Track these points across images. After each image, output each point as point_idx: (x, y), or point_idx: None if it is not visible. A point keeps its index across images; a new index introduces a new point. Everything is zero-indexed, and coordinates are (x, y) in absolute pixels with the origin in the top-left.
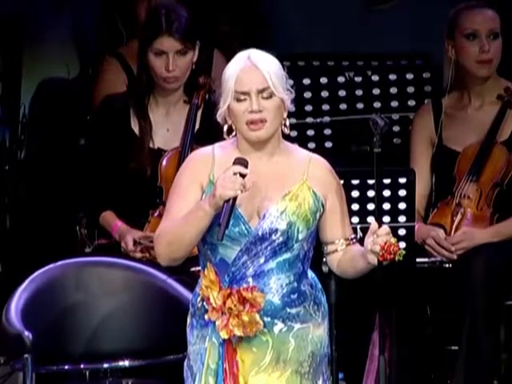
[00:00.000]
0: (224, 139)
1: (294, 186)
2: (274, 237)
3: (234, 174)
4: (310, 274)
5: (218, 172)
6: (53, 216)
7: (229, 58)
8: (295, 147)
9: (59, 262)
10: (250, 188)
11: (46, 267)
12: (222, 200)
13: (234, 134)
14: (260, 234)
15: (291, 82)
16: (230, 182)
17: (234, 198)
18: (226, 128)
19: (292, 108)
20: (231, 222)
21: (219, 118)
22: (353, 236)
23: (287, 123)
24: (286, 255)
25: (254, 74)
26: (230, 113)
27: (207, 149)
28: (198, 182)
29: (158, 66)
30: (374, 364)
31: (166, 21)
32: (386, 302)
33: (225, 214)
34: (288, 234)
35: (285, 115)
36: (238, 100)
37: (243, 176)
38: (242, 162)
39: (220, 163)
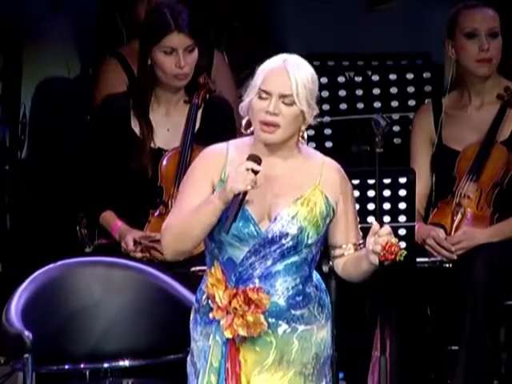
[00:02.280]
0: (226, 137)
1: (306, 191)
2: (283, 241)
3: (247, 169)
4: (315, 275)
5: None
6: (53, 216)
7: (234, 57)
8: (312, 151)
9: (59, 262)
10: (261, 186)
11: (46, 267)
12: (232, 193)
13: (251, 129)
14: (270, 236)
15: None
16: (242, 176)
17: (244, 193)
18: (244, 121)
19: (313, 122)
20: (241, 223)
21: (241, 110)
22: (361, 241)
23: (305, 136)
24: (294, 258)
25: (282, 77)
26: (250, 108)
27: (222, 145)
28: (209, 178)
29: (169, 64)
30: (376, 364)
31: (173, 18)
32: (386, 301)
33: (233, 207)
34: (298, 239)
35: (303, 128)
36: (260, 97)
37: (255, 173)
38: (255, 158)
39: (233, 162)
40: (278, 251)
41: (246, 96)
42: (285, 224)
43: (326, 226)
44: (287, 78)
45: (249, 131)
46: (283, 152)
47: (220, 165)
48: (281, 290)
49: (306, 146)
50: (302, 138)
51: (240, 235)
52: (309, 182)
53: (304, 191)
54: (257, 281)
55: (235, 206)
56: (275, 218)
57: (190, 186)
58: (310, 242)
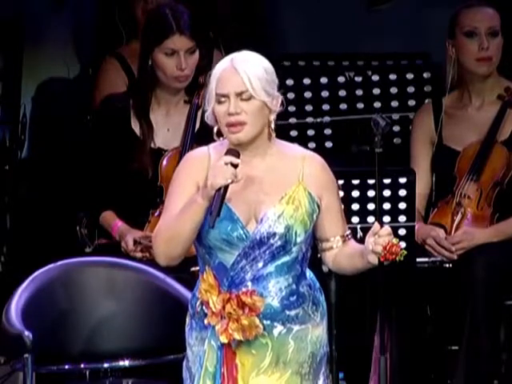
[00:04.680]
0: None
1: (290, 188)
2: (272, 241)
3: (226, 163)
4: (309, 273)
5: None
6: (53, 216)
7: None
8: (288, 145)
9: (59, 262)
10: (245, 187)
11: (47, 267)
12: (213, 189)
13: (224, 136)
14: (258, 238)
15: (291, 81)
16: (221, 171)
17: (226, 187)
18: (215, 130)
19: (279, 110)
20: (230, 227)
21: (207, 119)
22: (348, 232)
23: (272, 126)
24: (285, 258)
25: (233, 76)
26: (215, 115)
27: (203, 149)
28: (194, 182)
29: (170, 66)
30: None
31: (175, 20)
32: (386, 301)
33: (216, 202)
34: (286, 238)
35: (271, 118)
36: (219, 102)
37: (235, 166)
38: (233, 152)
39: None
40: (267, 252)
41: (207, 106)
42: (271, 224)
43: (313, 222)
44: (237, 75)
45: (221, 139)
46: (259, 150)
47: (204, 169)
48: (274, 291)
49: (282, 141)
50: (270, 127)
51: (229, 239)
52: (291, 178)
53: (288, 189)
54: (249, 284)
55: (218, 202)
56: (261, 219)
57: (176, 192)
58: (298, 240)
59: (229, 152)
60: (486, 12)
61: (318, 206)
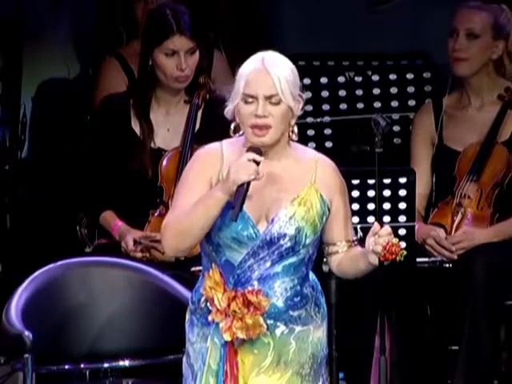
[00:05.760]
0: (227, 137)
1: (302, 190)
2: (281, 241)
3: (249, 160)
4: (311, 275)
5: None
6: (53, 216)
7: (234, 57)
8: (302, 148)
9: (60, 262)
10: (263, 177)
11: (47, 267)
12: (236, 185)
13: (241, 132)
14: (268, 238)
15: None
16: (244, 167)
17: (248, 183)
18: (233, 126)
19: (300, 113)
20: (240, 226)
21: (227, 114)
22: (355, 238)
23: (295, 130)
24: (292, 259)
25: (264, 78)
26: (237, 113)
27: (216, 145)
28: (207, 178)
29: (170, 66)
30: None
31: (176, 21)
32: (386, 301)
33: (239, 196)
34: (296, 239)
35: (292, 122)
36: (246, 102)
37: (257, 163)
38: (255, 150)
39: (229, 161)
40: (276, 252)
41: (230, 101)
42: (282, 225)
43: (322, 224)
44: (269, 78)
45: (237, 135)
46: (276, 151)
47: (217, 165)
48: (279, 291)
49: (297, 144)
50: (293, 132)
51: (239, 237)
52: (304, 180)
53: (300, 190)
54: (255, 283)
55: (240, 196)
56: (273, 220)
57: (187, 186)
58: (307, 241)
59: (251, 149)
60: (470, 13)
61: (329, 209)
